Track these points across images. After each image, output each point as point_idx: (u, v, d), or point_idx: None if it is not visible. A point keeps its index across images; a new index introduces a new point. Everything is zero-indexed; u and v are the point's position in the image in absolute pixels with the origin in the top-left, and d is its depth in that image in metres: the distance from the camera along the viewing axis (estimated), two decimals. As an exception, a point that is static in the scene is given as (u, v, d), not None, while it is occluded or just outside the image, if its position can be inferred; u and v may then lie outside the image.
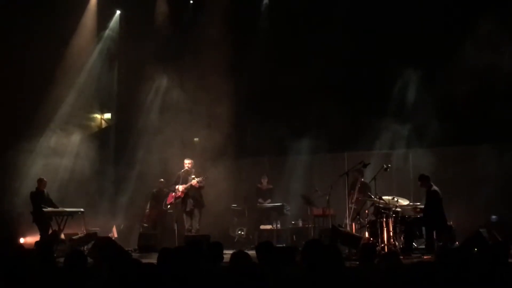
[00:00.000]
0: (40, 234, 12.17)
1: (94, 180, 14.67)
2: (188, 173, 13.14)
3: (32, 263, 5.38)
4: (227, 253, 5.81)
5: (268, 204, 13.99)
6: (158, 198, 14.24)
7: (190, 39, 15.21)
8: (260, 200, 14.17)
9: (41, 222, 12.16)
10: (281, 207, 13.85)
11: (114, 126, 16.20)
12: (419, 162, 13.58)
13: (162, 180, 14.29)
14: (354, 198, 12.20)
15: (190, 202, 13.02)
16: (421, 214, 11.31)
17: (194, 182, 12.87)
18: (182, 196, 13.03)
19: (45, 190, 12.59)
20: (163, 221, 14.09)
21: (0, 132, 13.61)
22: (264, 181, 14.23)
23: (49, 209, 12.26)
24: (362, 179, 12.49)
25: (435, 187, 11.11)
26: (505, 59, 12.41)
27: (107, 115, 16.40)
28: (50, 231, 12.14)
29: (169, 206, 13.31)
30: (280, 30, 14.99)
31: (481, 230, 10.27)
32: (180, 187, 12.98)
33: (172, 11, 15.76)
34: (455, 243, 10.74)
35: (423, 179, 11.24)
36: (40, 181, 12.57)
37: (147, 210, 14.31)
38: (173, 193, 13.04)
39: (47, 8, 13.90)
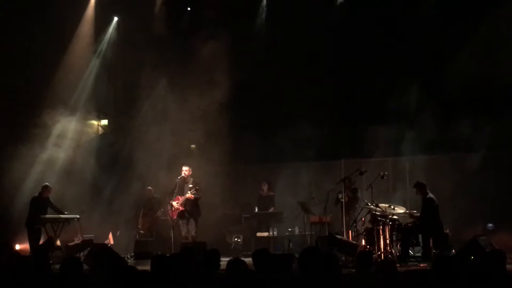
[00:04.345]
0: (29, 240, 12.14)
1: (91, 186, 14.64)
2: (185, 180, 13.11)
3: (28, 270, 5.36)
4: (224, 260, 5.79)
5: (266, 211, 13.96)
6: (149, 205, 14.21)
7: (187, 46, 15.22)
8: (256, 208, 14.13)
9: (33, 228, 12.13)
10: (279, 214, 13.84)
11: (111, 132, 16.18)
12: (415, 169, 13.60)
13: (150, 188, 14.30)
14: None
15: (186, 211, 13.05)
16: (413, 220, 11.31)
17: (188, 195, 12.90)
18: (183, 208, 13.03)
19: (49, 197, 12.55)
20: (159, 228, 14.07)
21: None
22: (265, 187, 14.20)
23: (46, 215, 12.25)
24: (352, 186, 12.45)
25: (430, 195, 11.12)
26: (502, 68, 12.44)
27: (104, 121, 16.39)
28: (46, 238, 12.11)
29: (174, 219, 13.20)
30: (277, 37, 15.03)
31: (481, 238, 10.27)
32: (175, 204, 12.95)
33: (170, 18, 15.78)
34: (451, 251, 10.74)
35: (419, 187, 11.25)
36: (45, 188, 12.55)
37: (141, 218, 14.28)
38: (175, 208, 12.99)
39: (45, 14, 13.92)
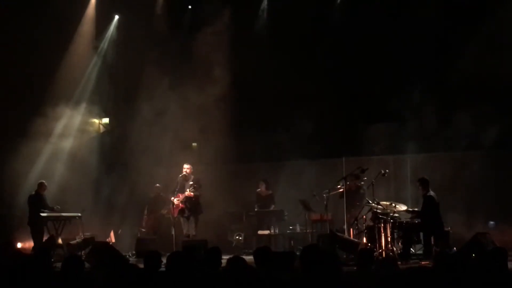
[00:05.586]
0: (33, 238, 12.17)
1: (92, 184, 14.65)
2: (186, 178, 13.14)
3: (29, 268, 5.36)
4: (225, 258, 5.79)
5: (268, 209, 13.96)
6: (155, 203, 14.23)
7: (188, 44, 15.22)
8: (257, 206, 14.12)
9: (36, 226, 12.15)
10: (280, 212, 13.84)
11: (112, 131, 16.19)
12: (417, 167, 13.59)
13: (158, 185, 14.31)
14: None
15: (187, 209, 13.08)
16: (413, 216, 11.31)
17: (187, 193, 12.93)
18: (183, 206, 13.07)
19: (44, 194, 12.59)
20: (161, 226, 14.08)
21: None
22: (262, 187, 14.18)
23: (47, 213, 12.26)
24: (359, 184, 12.43)
25: (431, 193, 11.10)
26: (503, 66, 12.43)
27: (105, 120, 16.39)
28: (48, 236, 12.13)
29: (176, 216, 13.23)
30: (278, 35, 15.02)
31: (482, 235, 10.26)
32: (176, 201, 12.99)
33: (171, 16, 15.78)
34: (453, 249, 10.73)
35: (423, 183, 11.22)
36: (41, 185, 12.59)
37: (145, 216, 14.30)
38: (175, 204, 13.01)
39: (46, 13, 13.92)
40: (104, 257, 10.06)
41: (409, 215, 11.41)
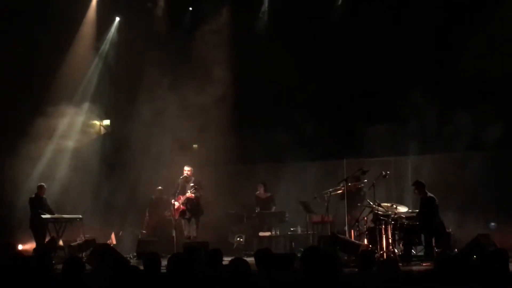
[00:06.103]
0: (36, 240, 12.20)
1: (93, 186, 14.65)
2: (187, 180, 13.16)
3: (30, 270, 5.36)
4: (226, 260, 5.79)
5: (269, 211, 13.95)
6: (157, 205, 14.23)
7: (188, 45, 15.23)
8: (258, 209, 14.12)
9: (37, 228, 12.19)
10: (282, 214, 13.82)
11: (113, 132, 16.19)
12: (418, 168, 13.58)
13: (160, 187, 14.31)
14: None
15: (188, 210, 13.09)
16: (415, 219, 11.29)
17: (188, 194, 12.95)
18: (184, 208, 13.09)
19: (44, 196, 12.62)
20: (162, 228, 14.08)
21: (-1, 138, 13.71)
22: (261, 189, 14.16)
23: (48, 215, 12.28)
24: (359, 186, 12.42)
25: (430, 194, 11.09)
26: (503, 66, 12.42)
27: (106, 122, 16.40)
28: (49, 238, 12.14)
29: (177, 218, 13.25)
30: (278, 37, 15.02)
31: (483, 237, 10.24)
32: (176, 203, 12.99)
33: (171, 18, 15.79)
34: (454, 250, 10.72)
35: (419, 186, 11.21)
36: (40, 187, 12.65)
37: (147, 217, 14.30)
38: (176, 207, 13.01)
39: (46, 15, 13.94)
40: (105, 259, 10.08)
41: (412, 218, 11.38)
